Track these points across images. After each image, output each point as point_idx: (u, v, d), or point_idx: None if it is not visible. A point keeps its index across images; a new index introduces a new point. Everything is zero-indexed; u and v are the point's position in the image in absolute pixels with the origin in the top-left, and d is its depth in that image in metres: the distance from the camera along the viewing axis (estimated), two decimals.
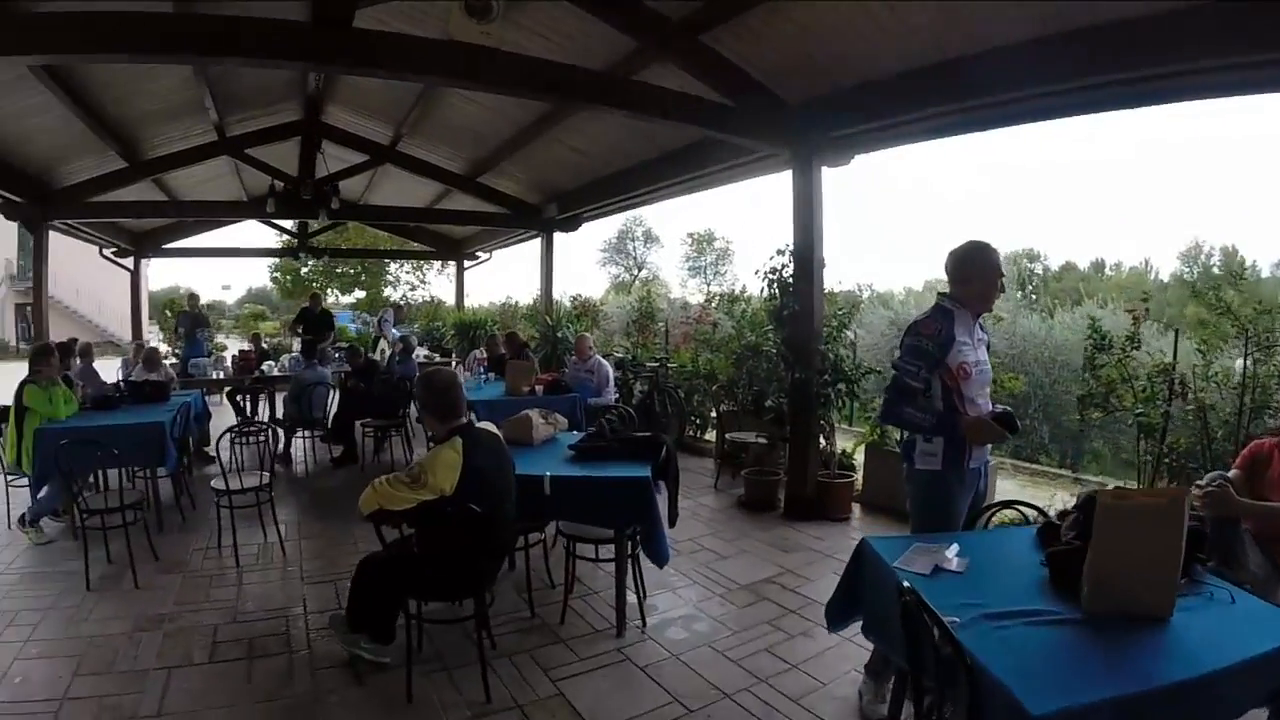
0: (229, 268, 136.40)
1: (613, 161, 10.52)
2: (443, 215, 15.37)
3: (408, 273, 30.51)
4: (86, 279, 31.71)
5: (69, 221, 12.97)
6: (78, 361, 10.07)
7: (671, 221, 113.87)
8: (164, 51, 5.28)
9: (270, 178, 11.73)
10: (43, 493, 6.57)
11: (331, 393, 9.76)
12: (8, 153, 9.74)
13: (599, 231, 60.91)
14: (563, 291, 14.71)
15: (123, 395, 8.14)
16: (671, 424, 10.16)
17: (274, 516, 6.64)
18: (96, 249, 17.22)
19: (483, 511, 3.81)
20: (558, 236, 13.90)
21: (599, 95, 6.67)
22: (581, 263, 75.89)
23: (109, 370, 12.16)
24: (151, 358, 9.75)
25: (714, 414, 10.39)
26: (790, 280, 7.58)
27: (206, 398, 11.05)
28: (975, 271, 3.97)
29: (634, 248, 57.42)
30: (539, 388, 8.61)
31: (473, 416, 4.41)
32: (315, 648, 4.70)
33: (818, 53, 6.48)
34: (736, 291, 9.86)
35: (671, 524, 5.10)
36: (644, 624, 5.04)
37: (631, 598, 5.07)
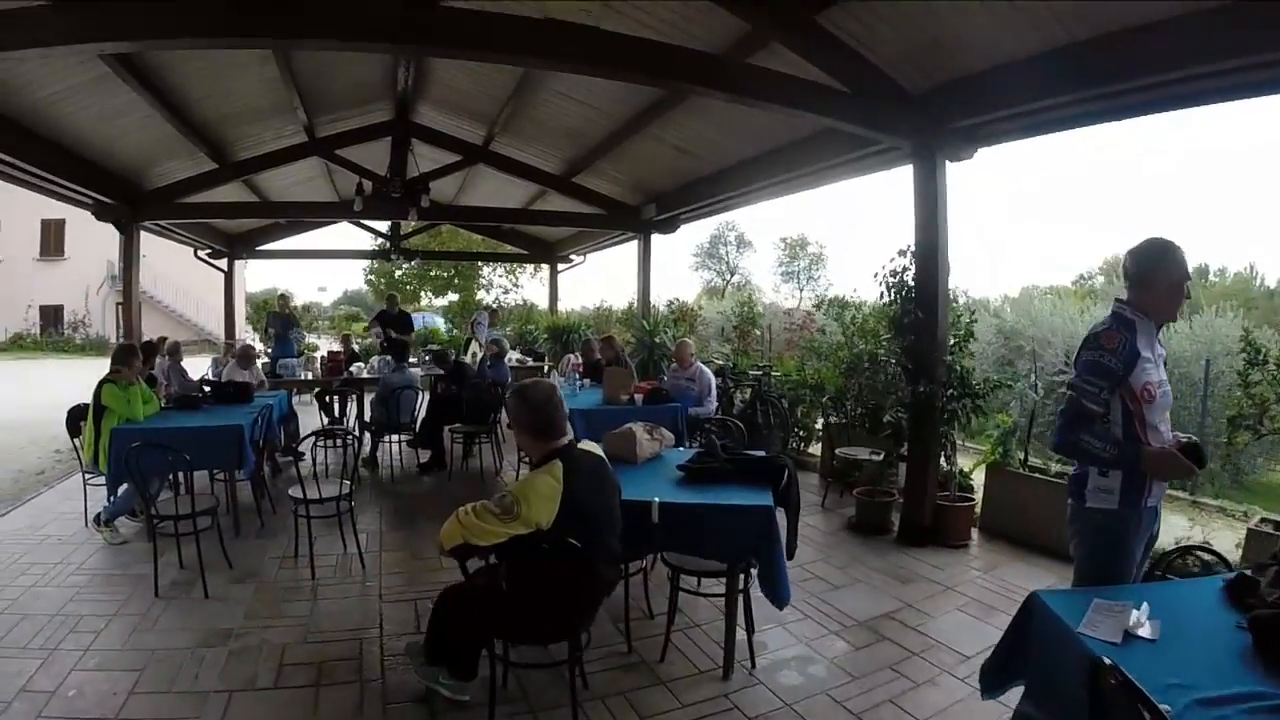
0: (325, 270, 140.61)
1: (714, 159, 10.00)
2: (537, 216, 14.94)
3: (501, 276, 30.37)
4: (185, 279, 32.66)
5: (159, 222, 12.98)
6: (165, 360, 10.04)
7: (764, 226, 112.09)
8: (239, 34, 5.04)
9: (360, 178, 11.45)
10: (119, 493, 6.44)
11: (420, 396, 9.40)
12: (97, 154, 9.68)
13: (690, 236, 60.56)
14: (656, 296, 14.22)
15: (205, 395, 7.90)
16: (774, 436, 9.62)
17: (354, 526, 6.26)
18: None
19: (583, 547, 3.31)
20: (654, 239, 13.48)
21: (710, 80, 6.09)
22: (672, 268, 75.66)
23: (200, 369, 12.16)
24: (246, 355, 9.67)
25: (819, 427, 9.82)
26: (912, 285, 6.97)
27: (297, 397, 10.94)
28: (1161, 274, 3.35)
29: (726, 252, 56.79)
30: (638, 396, 8.14)
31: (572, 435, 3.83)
32: (389, 678, 4.29)
33: (941, 34, 5.81)
34: (846, 297, 9.28)
35: (789, 556, 4.49)
36: (753, 664, 4.48)
37: (739, 633, 4.48)
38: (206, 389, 8.21)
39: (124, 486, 6.35)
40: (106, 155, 9.80)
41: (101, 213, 10.97)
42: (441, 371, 10.08)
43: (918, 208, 6.90)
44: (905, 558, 6.45)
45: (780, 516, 4.36)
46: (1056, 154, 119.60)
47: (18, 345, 34.18)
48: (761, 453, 5.03)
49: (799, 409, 10.09)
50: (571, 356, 12.97)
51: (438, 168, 12.39)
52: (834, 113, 6.43)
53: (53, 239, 35.88)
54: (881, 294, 7.29)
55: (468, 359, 12.63)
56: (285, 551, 6.23)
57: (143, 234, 11.66)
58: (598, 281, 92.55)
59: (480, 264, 29.29)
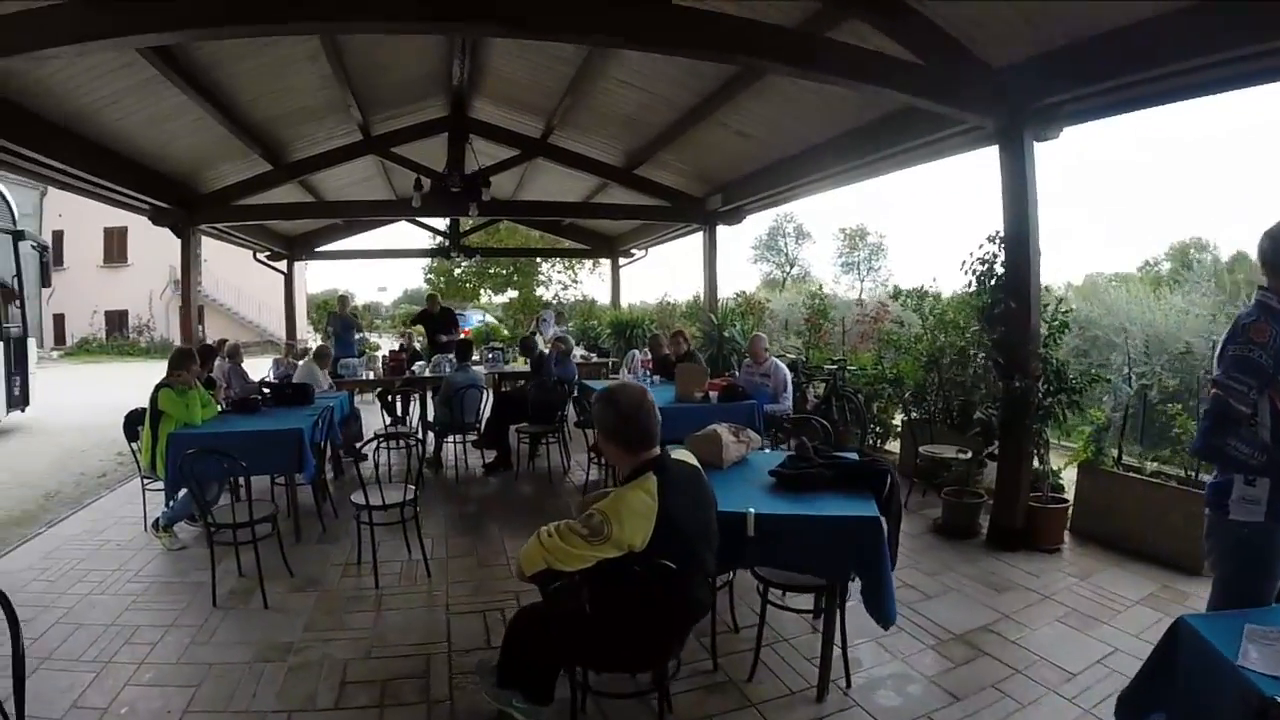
0: (386, 271, 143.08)
1: (782, 146, 9.61)
2: (598, 209, 14.47)
3: (560, 272, 30.16)
4: (246, 281, 33.60)
5: (216, 226, 12.94)
6: (226, 362, 9.97)
7: (821, 217, 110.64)
8: (286, 20, 4.81)
9: (418, 174, 11.22)
10: (177, 498, 6.30)
11: (484, 395, 9.15)
12: (150, 159, 9.62)
13: (749, 229, 59.97)
14: (662, 294, 13.94)
15: (265, 398, 7.72)
16: (850, 433, 9.23)
17: (419, 532, 6.01)
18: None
19: (679, 568, 2.97)
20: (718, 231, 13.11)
21: (784, 54, 5.64)
22: (733, 260, 74.86)
23: (260, 370, 12.13)
24: (323, 354, 9.61)
25: (897, 423, 9.45)
26: (1001, 273, 6.58)
27: (359, 397, 10.81)
28: None
29: (785, 244, 56.26)
30: (712, 393, 7.77)
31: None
32: (457, 699, 4.01)
33: (1028, 4, 5.38)
34: (924, 286, 8.81)
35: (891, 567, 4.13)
36: (848, 683, 4.12)
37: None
38: (266, 391, 8.04)
39: (182, 491, 6.19)
40: (159, 159, 9.73)
41: (158, 217, 10.96)
42: (506, 369, 9.85)
43: (1005, 191, 6.45)
44: (997, 563, 6.04)
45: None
46: (1109, 135, 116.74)
47: (84, 350, 35.62)
48: (855, 455, 4.66)
49: (875, 404, 9.70)
50: (637, 353, 12.68)
51: (496, 162, 12.09)
52: (912, 89, 5.99)
53: (116, 246, 37.27)
54: (970, 283, 6.90)
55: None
56: (347, 558, 6.02)
57: (203, 238, 11.62)
58: (658, 275, 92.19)
59: (539, 260, 29.15)
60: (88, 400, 16.45)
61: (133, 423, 6.93)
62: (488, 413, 9.26)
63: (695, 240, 13.73)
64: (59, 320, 37.01)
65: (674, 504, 3.02)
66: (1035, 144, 6.37)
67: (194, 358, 6.78)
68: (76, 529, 7.00)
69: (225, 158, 10.45)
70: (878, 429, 9.82)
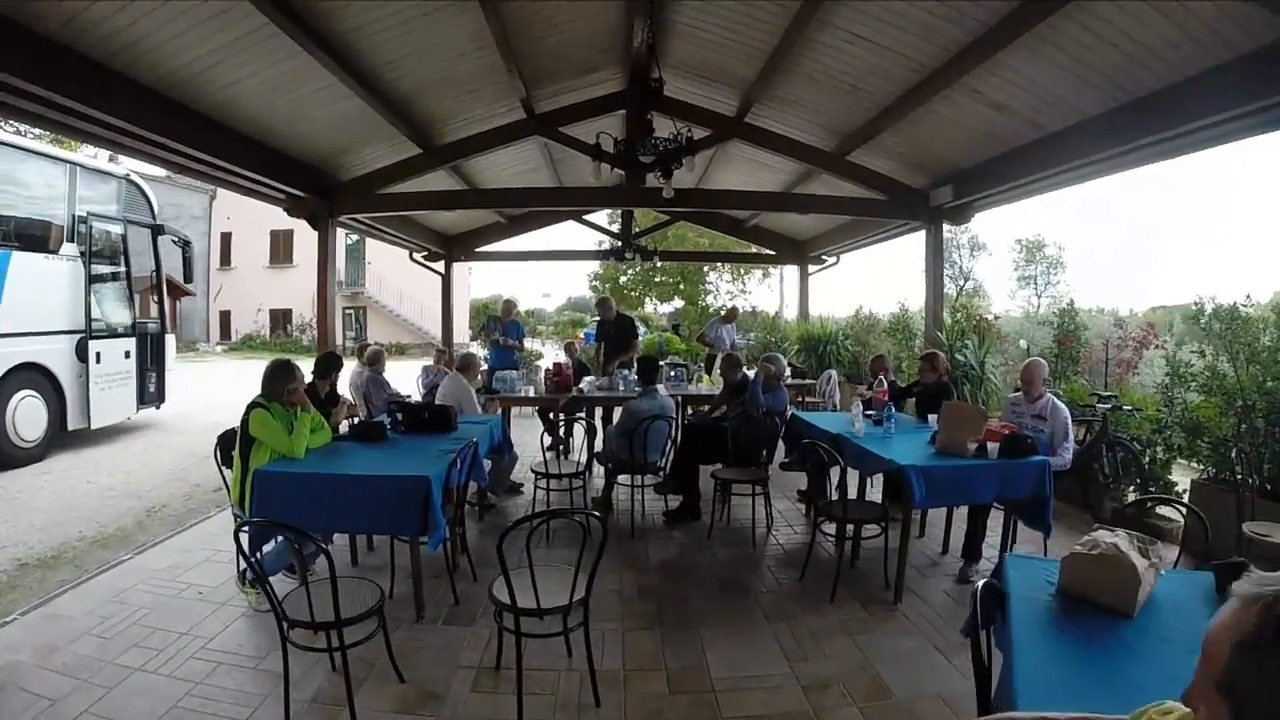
0: (551, 277, 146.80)
1: (1046, 120, 7.43)
2: (805, 202, 12.13)
3: (728, 281, 28.51)
4: (409, 283, 33.70)
5: (361, 219, 11.54)
6: (366, 370, 8.69)
7: (994, 228, 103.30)
8: None
9: (599, 134, 8.71)
10: (269, 546, 4.89)
11: (671, 427, 7.33)
12: (283, 140, 8.43)
13: (917, 239, 56.44)
14: (876, 303, 11.64)
15: (397, 422, 6.13)
16: (1119, 493, 7.25)
17: (586, 634, 4.03)
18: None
19: None
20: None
21: None
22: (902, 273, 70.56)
23: (409, 377, 11.34)
24: (468, 363, 8.08)
25: (1176, 480, 7.39)
26: None
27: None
28: None
29: (960, 255, 52.81)
30: (991, 445, 5.56)
31: None
32: None
33: None
34: (1237, 304, 6.65)
35: None
36: None
37: None
38: (397, 413, 6.39)
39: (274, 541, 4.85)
40: (290, 140, 8.50)
41: (294, 208, 9.84)
42: (690, 390, 7.90)
43: None
44: None
45: None
46: None
47: (248, 345, 37.47)
48: None
49: (1146, 454, 7.42)
50: (832, 373, 10.65)
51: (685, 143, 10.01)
52: None
53: (282, 248, 38.84)
54: None
55: (710, 378, 10.51)
56: (483, 657, 4.35)
57: (367, 240, 10.37)
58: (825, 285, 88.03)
59: (707, 269, 27.63)
60: (233, 398, 15.50)
61: (226, 446, 5.46)
62: (672, 447, 7.41)
63: (891, 245, 11.65)
64: (225, 316, 39.83)
65: None
66: None
67: (292, 373, 5.24)
68: (162, 562, 5.89)
69: (366, 140, 9.12)
70: (1150, 487, 7.37)
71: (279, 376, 5.13)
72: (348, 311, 40.24)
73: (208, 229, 38.46)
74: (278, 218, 9.71)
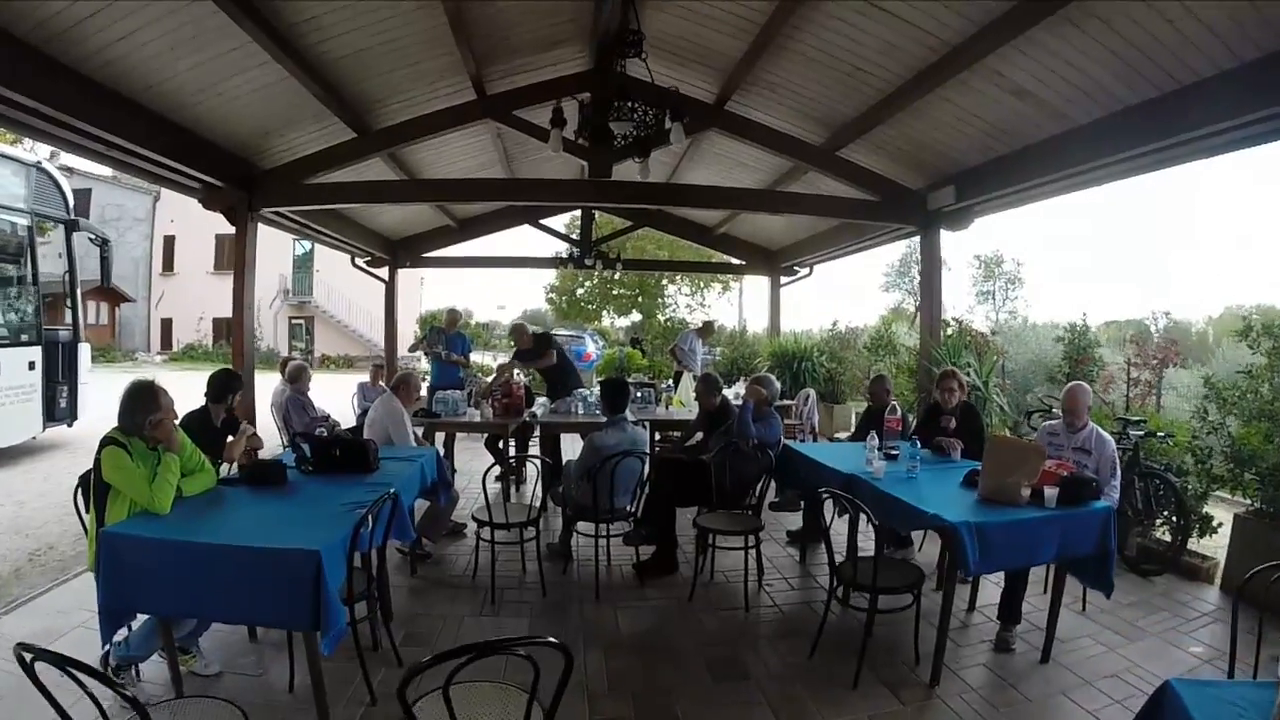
0: (505, 290, 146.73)
1: (1074, 112, 6.49)
2: (781, 200, 10.90)
3: (686, 294, 27.57)
4: (360, 293, 32.44)
5: (286, 212, 10.30)
6: (286, 389, 7.55)
7: (949, 245, 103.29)
8: None
9: (558, 100, 8.11)
10: (133, 628, 3.91)
11: (644, 464, 6.12)
12: (191, 116, 7.23)
13: (886, 254, 56.03)
14: (825, 322, 10.61)
15: (304, 458, 4.93)
16: (1147, 529, 6.39)
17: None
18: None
19: None
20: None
21: None
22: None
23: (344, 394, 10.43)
24: (405, 382, 6.80)
25: (1211, 513, 6.53)
26: None
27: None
28: None
29: (918, 271, 53.08)
30: (1050, 490, 4.33)
31: None
32: None
33: None
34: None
35: None
36: None
37: None
38: (303, 445, 5.06)
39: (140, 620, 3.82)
40: (202, 116, 7.31)
41: (210, 199, 8.64)
42: (659, 415, 6.79)
43: None
44: None
45: None
46: None
47: (189, 355, 36.22)
48: None
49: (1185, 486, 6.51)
50: (810, 393, 9.61)
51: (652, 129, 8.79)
52: None
53: (227, 253, 36.72)
54: None
55: (682, 399, 9.42)
56: None
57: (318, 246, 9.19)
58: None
59: (665, 280, 26.70)
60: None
61: (88, 488, 4.16)
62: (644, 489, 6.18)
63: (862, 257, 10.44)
64: (166, 325, 38.67)
65: None
66: None
67: (156, 399, 3.97)
68: (34, 624, 4.70)
69: (292, 121, 8.01)
70: (1181, 522, 6.44)
71: (139, 403, 3.89)
72: (295, 322, 39.39)
73: (150, 231, 37.18)
74: (224, 222, 8.52)
